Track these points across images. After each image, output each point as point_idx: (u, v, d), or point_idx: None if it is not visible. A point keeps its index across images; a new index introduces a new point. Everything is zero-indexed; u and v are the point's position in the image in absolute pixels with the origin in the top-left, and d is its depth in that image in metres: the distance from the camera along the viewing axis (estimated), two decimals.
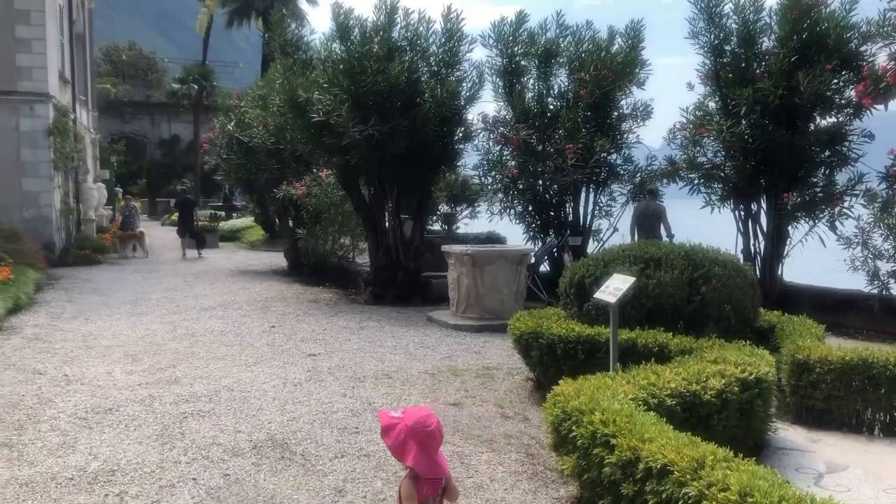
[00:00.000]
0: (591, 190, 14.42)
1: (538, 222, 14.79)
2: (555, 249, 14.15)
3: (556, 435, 4.42)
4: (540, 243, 14.67)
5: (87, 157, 24.92)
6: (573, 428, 4.17)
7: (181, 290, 14.82)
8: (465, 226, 20.47)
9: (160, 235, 28.26)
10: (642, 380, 4.83)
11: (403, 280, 13.63)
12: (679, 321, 6.70)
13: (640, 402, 4.49)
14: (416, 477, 3.09)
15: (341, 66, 12.42)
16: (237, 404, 6.68)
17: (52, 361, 8.23)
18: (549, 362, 6.65)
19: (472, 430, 6.00)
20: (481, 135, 14.65)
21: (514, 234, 17.56)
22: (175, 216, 29.93)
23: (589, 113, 13.69)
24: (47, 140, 18.25)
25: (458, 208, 20.31)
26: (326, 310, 12.54)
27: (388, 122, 12.19)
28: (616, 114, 14.08)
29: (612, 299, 5.56)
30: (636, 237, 13.29)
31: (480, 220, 20.63)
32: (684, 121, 12.72)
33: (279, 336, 10.03)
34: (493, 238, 18.46)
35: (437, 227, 19.39)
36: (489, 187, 15.10)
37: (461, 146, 14.18)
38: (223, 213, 34.32)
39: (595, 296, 5.92)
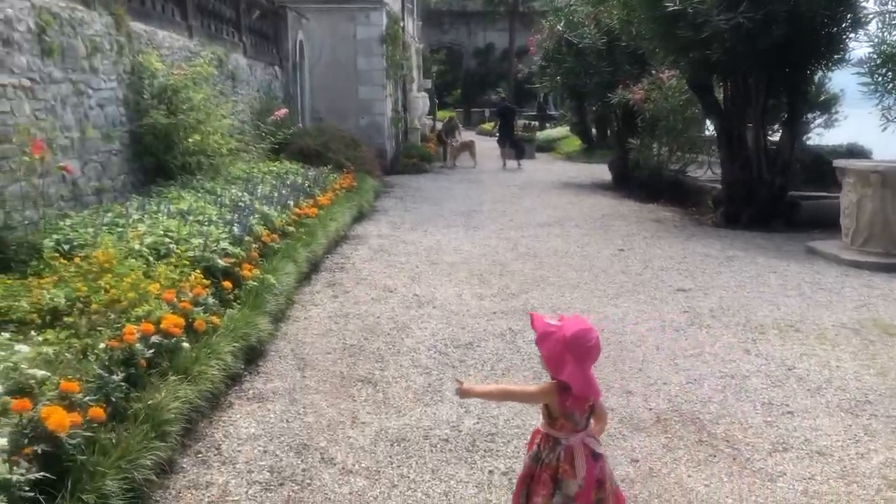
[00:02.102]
0: None
1: None
2: None
3: None
4: None
5: (413, 67, 25.26)
6: None
7: (509, 202, 14.10)
8: (817, 136, 17.44)
9: (478, 144, 28.25)
10: None
11: (765, 199, 11.51)
12: None
13: None
14: (564, 388, 2.72)
15: None
16: (613, 351, 5.49)
17: (399, 277, 7.73)
18: None
19: None
20: (874, 21, 11.70)
21: (884, 149, 14.39)
22: (491, 125, 29.80)
23: None
24: (381, 48, 18.37)
25: (809, 115, 17.24)
26: (675, 232, 10.95)
27: (760, 8, 9.97)
28: None
29: None
30: None
31: (837, 130, 17.47)
32: None
33: (632, 262, 8.70)
34: (854, 151, 15.39)
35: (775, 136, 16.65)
36: (881, 87, 12.09)
37: (849, 35, 11.42)
38: (536, 123, 33.57)
39: None
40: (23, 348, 3.87)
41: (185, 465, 3.58)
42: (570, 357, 2.66)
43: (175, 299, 4.68)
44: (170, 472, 3.47)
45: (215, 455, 3.71)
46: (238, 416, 4.20)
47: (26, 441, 2.84)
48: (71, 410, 3.13)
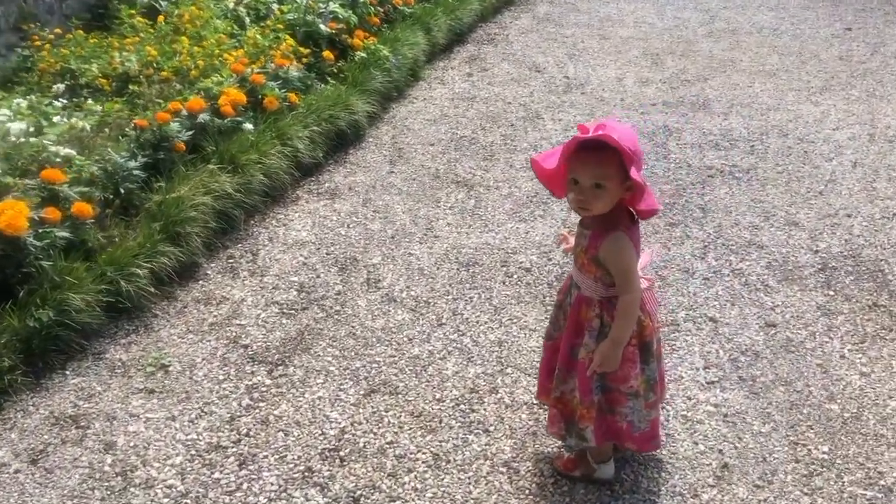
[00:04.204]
0: None
1: None
2: None
3: None
4: None
5: None
6: None
7: None
8: None
9: None
10: None
11: None
12: None
13: None
14: (633, 225, 1.87)
15: None
16: (791, 163, 4.26)
17: (555, 54, 6.58)
18: None
19: None
20: None
21: None
22: None
23: None
24: None
25: None
26: None
27: None
28: None
29: None
30: None
31: None
32: None
33: (858, 45, 6.87)
34: None
35: None
36: None
37: None
38: None
39: None
40: (62, 121, 3.46)
41: (209, 273, 3.10)
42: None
43: (247, 70, 4.04)
44: (186, 280, 3.00)
45: (248, 262, 3.19)
46: (297, 215, 3.62)
47: None
48: (55, 203, 2.67)
